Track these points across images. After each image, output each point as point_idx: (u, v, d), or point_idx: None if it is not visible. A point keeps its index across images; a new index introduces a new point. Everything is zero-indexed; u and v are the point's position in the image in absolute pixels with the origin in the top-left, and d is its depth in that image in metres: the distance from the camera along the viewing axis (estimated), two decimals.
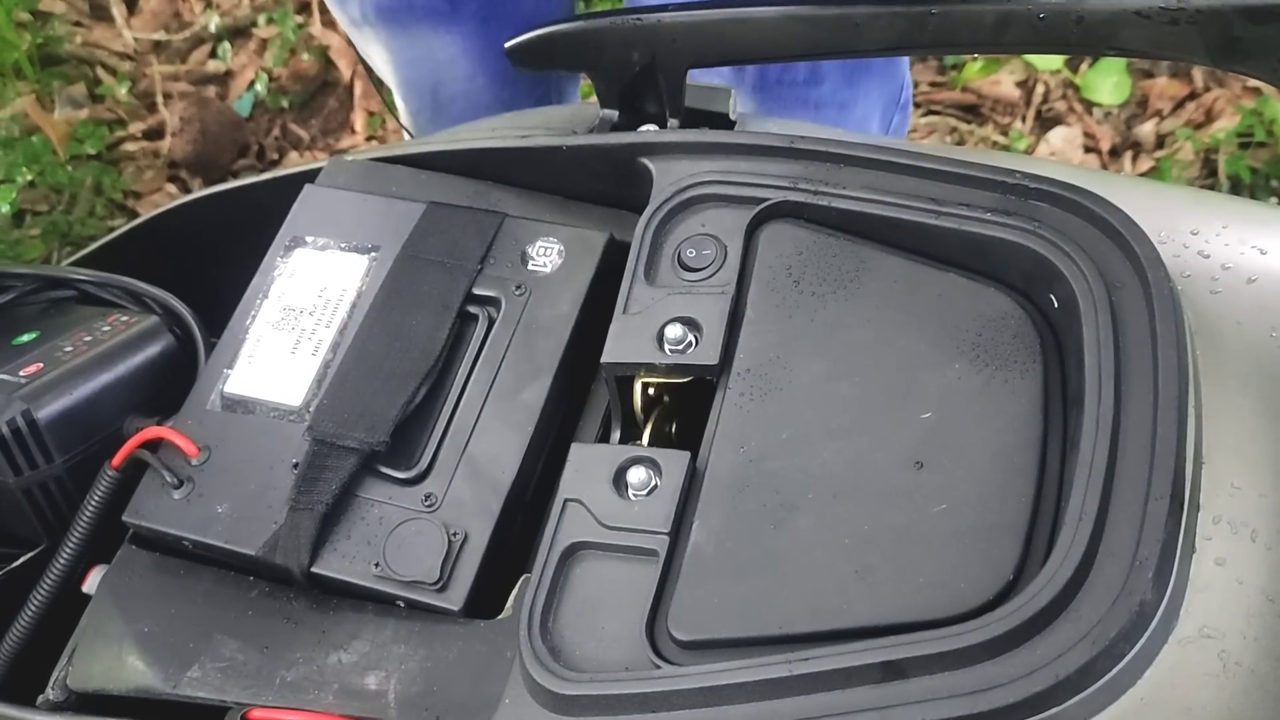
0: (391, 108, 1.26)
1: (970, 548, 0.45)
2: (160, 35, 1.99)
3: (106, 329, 0.64)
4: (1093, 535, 0.42)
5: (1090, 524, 0.42)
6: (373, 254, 0.62)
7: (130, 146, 1.86)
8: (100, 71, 1.95)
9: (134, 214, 1.79)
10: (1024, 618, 0.41)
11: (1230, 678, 0.41)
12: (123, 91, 1.90)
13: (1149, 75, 1.66)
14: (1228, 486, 0.45)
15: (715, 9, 0.61)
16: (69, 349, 0.62)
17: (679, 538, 0.48)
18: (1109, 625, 0.41)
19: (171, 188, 1.82)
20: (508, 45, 0.66)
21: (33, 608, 0.58)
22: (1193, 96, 1.65)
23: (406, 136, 1.17)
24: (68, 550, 0.58)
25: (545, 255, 0.60)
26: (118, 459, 0.58)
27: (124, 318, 0.65)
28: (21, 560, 0.60)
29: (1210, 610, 0.42)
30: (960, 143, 1.67)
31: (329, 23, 1.94)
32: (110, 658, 0.54)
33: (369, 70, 1.13)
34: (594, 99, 0.67)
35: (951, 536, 0.45)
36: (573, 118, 0.69)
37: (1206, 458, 0.45)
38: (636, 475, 0.50)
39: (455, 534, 0.52)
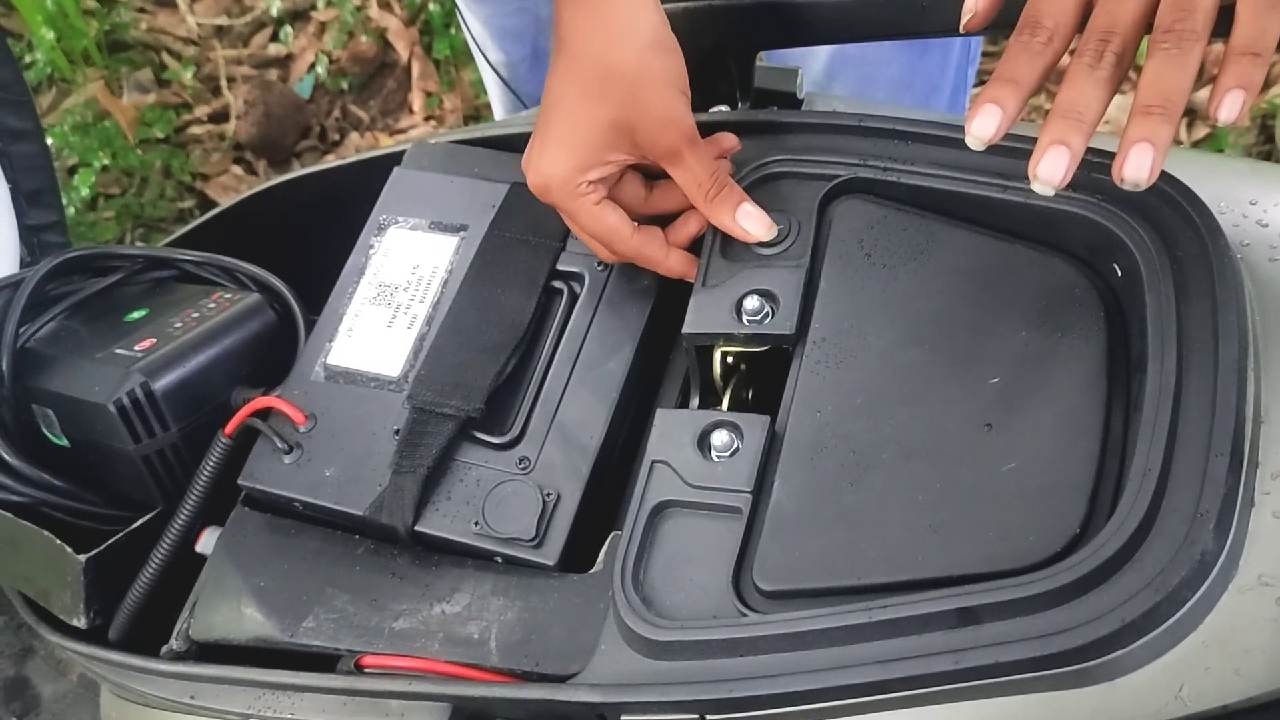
0: (449, 85, 1.28)
1: (1038, 503, 0.47)
2: (222, 20, 2.04)
3: (212, 306, 0.68)
4: (1156, 490, 0.45)
5: (1154, 479, 0.45)
6: (461, 233, 0.65)
7: (197, 130, 1.91)
8: (165, 57, 2.00)
9: (202, 196, 1.84)
10: (1091, 567, 0.44)
11: None
12: (188, 76, 1.95)
13: None
14: None
15: None
16: (178, 325, 0.66)
17: (761, 496, 0.51)
18: (1172, 574, 0.43)
19: (238, 169, 1.87)
20: None
21: (153, 566, 0.63)
22: None
23: (492, 82, 1.19)
24: (186, 511, 0.62)
25: None
26: (231, 427, 0.62)
27: (227, 295, 0.69)
28: (140, 522, 0.64)
29: (1268, 559, 0.45)
30: None
31: (386, 5, 1.98)
32: (229, 610, 0.59)
33: (426, 51, 1.16)
34: None
35: (1020, 493, 0.48)
36: None
37: (1265, 416, 0.47)
38: (719, 438, 0.53)
39: (549, 494, 0.56)
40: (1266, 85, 1.61)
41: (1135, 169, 0.44)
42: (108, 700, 0.68)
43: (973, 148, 0.47)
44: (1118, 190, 0.51)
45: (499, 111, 1.26)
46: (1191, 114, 1.62)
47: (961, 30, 0.52)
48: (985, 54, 1.73)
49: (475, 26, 1.13)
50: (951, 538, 0.48)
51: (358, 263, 0.66)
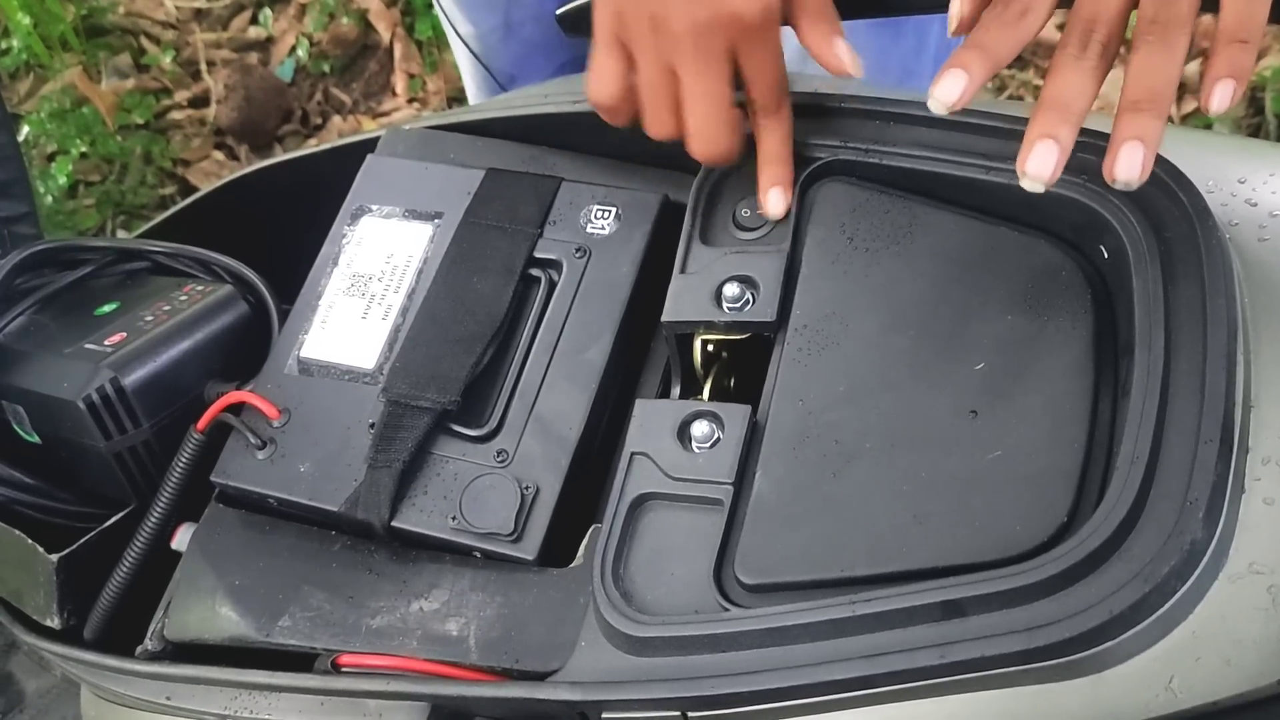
0: (432, 67, 1.25)
1: (1025, 492, 0.47)
2: (201, 3, 2.01)
3: (184, 298, 0.66)
4: (1144, 478, 0.44)
5: (1142, 467, 0.44)
6: (436, 220, 0.64)
7: (177, 115, 1.89)
8: (144, 41, 1.98)
9: (184, 182, 1.82)
10: (1078, 557, 0.43)
11: (1279, 611, 0.43)
12: (167, 60, 1.93)
13: None
14: (1276, 428, 0.46)
15: None
16: (149, 318, 0.65)
17: (742, 487, 0.50)
18: (1161, 563, 0.42)
19: (219, 155, 1.85)
20: (558, 13, 0.68)
21: (127, 564, 0.62)
22: None
23: (463, 56, 1.17)
24: (158, 509, 0.61)
25: (603, 218, 0.62)
26: (203, 422, 0.61)
27: (199, 287, 0.68)
28: (113, 520, 0.63)
29: (1259, 547, 0.44)
30: (1002, 87, 1.67)
31: None
32: (204, 609, 0.58)
33: (409, 32, 1.14)
34: None
35: (1006, 482, 0.47)
36: None
37: (1255, 401, 0.46)
38: (700, 429, 0.52)
39: (527, 488, 0.55)
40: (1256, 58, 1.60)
41: (1127, 169, 0.43)
42: (87, 699, 0.67)
43: (935, 111, 0.46)
44: None
45: (470, 87, 1.23)
46: (1181, 88, 1.61)
47: (950, 34, 0.51)
48: None
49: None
50: (936, 528, 0.47)
51: (331, 252, 0.65)
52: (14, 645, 1.06)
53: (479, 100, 1.22)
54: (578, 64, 1.20)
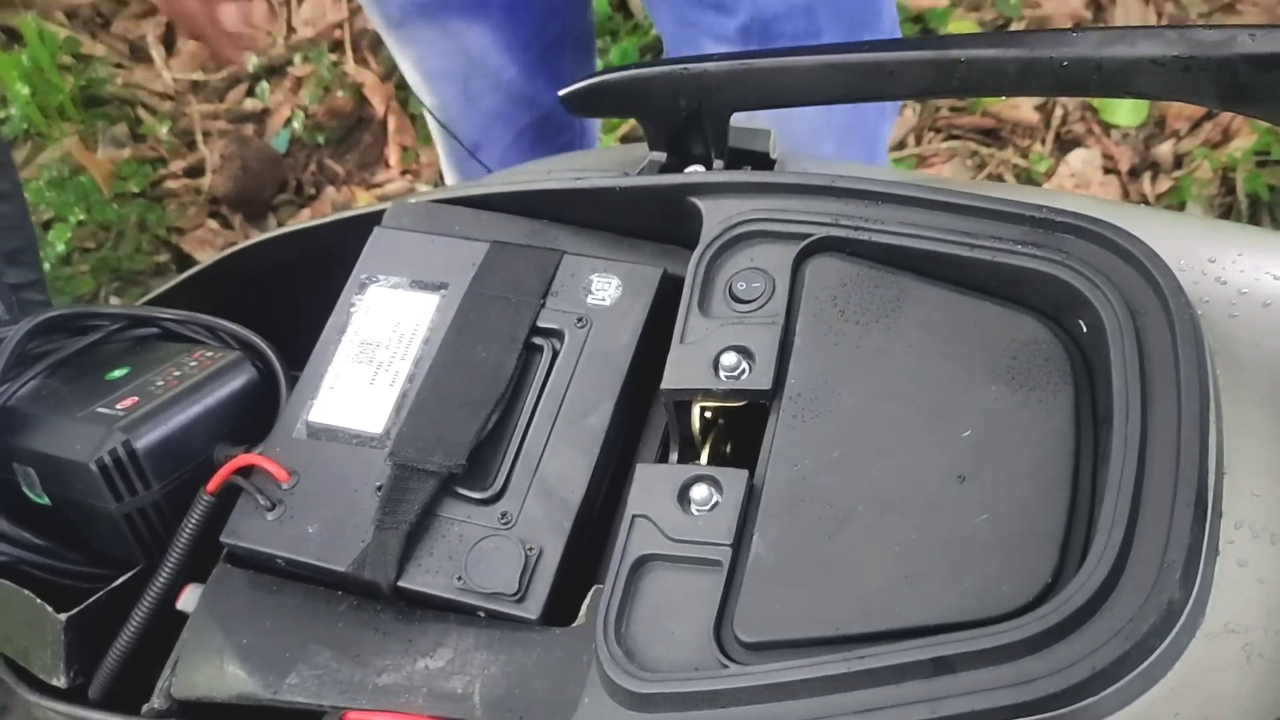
0: (425, 140, 1.28)
1: (1011, 554, 0.49)
2: (198, 75, 2.05)
3: (193, 364, 0.68)
4: (1124, 541, 0.46)
5: (1121, 530, 0.46)
6: (442, 291, 0.67)
7: (172, 184, 1.92)
8: (141, 111, 2.02)
9: (178, 250, 1.85)
10: (1062, 616, 0.45)
11: (1254, 668, 0.45)
12: (163, 130, 1.97)
13: None
14: (1248, 494, 0.48)
15: (757, 58, 0.66)
16: (160, 383, 0.67)
17: (740, 549, 0.52)
18: (1140, 622, 0.44)
19: (213, 223, 1.88)
20: (561, 94, 0.71)
21: (134, 624, 0.63)
22: (1210, 116, 1.69)
23: (432, 124, 1.21)
24: (168, 569, 0.62)
25: (604, 290, 0.65)
26: (213, 484, 0.62)
27: (208, 353, 0.70)
28: (122, 580, 0.64)
29: (1234, 607, 0.46)
30: (981, 166, 1.72)
31: (362, 60, 2.00)
32: (212, 668, 0.59)
33: (403, 106, 1.18)
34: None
35: (993, 544, 0.49)
36: (623, 158, 0.74)
37: (1228, 468, 0.49)
38: (699, 492, 0.54)
39: (531, 549, 0.57)
40: (1226, 139, 1.66)
41: None
42: None
43: None
44: (1081, 249, 0.53)
45: (440, 154, 1.27)
46: (1155, 167, 1.66)
47: None
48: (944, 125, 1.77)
49: (408, 70, 1.15)
50: (927, 588, 0.49)
51: (339, 321, 0.67)
52: (7, 708, 1.05)
53: (449, 166, 1.26)
54: (536, 130, 1.23)
